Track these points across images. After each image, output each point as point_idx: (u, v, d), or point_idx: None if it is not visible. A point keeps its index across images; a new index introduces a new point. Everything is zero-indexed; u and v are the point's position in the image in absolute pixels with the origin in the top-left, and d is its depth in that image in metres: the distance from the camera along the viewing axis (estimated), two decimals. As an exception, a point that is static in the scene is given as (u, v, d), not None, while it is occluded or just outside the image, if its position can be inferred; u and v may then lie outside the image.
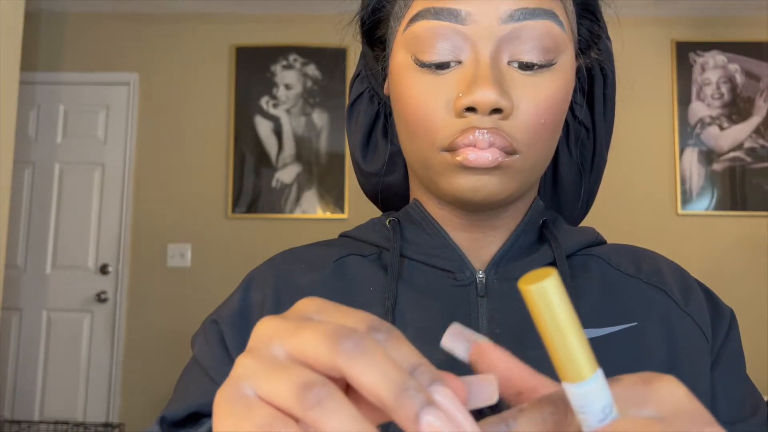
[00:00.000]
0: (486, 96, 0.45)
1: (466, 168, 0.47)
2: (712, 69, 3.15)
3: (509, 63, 0.47)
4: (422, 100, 0.48)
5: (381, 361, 0.23)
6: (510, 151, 0.47)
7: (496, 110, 0.46)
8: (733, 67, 3.15)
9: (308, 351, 0.24)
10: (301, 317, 0.26)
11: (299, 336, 0.25)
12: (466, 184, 0.47)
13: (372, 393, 0.23)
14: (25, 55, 2.80)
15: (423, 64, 0.48)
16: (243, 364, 0.25)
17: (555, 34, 0.47)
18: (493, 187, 0.47)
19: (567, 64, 0.49)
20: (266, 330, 0.26)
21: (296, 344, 0.25)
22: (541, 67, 0.47)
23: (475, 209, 0.51)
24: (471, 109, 0.46)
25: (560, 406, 0.25)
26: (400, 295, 0.50)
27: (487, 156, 0.46)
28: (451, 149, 0.47)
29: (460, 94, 0.46)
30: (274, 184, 3.16)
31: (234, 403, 0.25)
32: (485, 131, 0.46)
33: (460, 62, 0.48)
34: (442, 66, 0.48)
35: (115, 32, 3.26)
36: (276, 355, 0.25)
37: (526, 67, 0.47)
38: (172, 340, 3.03)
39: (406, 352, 0.25)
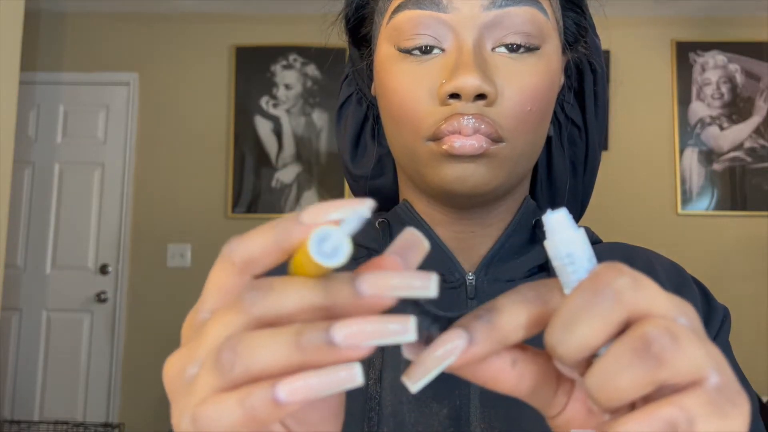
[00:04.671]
0: (469, 81, 0.44)
1: (452, 156, 0.46)
2: (712, 69, 3.15)
3: (493, 49, 0.47)
4: (406, 89, 0.48)
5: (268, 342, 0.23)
6: (496, 139, 0.46)
7: (480, 96, 0.46)
8: (733, 67, 3.14)
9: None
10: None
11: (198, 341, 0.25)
12: (452, 174, 0.47)
13: (273, 368, 0.22)
14: (25, 55, 2.79)
15: (405, 50, 0.48)
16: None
17: (538, 21, 0.47)
18: (480, 176, 0.47)
19: (552, 52, 0.49)
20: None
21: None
22: (527, 50, 0.47)
23: (463, 203, 0.51)
24: (455, 96, 0.46)
25: (538, 286, 0.25)
26: None
27: (472, 143, 0.45)
28: (436, 138, 0.47)
29: (443, 81, 0.46)
30: (274, 184, 3.16)
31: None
32: (470, 117, 0.45)
33: (443, 50, 0.48)
34: (424, 51, 0.48)
35: (115, 32, 3.26)
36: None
37: (510, 49, 0.47)
38: (172, 340, 3.03)
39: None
